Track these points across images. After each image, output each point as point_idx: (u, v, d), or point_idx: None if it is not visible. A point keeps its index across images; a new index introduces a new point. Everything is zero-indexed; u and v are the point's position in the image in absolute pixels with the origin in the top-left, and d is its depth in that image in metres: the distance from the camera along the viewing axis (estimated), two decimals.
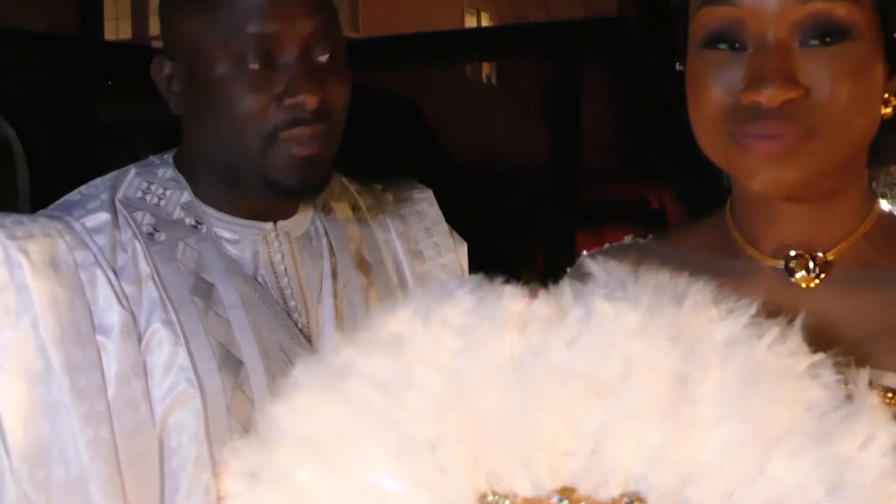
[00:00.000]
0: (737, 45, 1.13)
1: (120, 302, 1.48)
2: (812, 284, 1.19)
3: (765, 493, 1.00)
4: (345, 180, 1.70)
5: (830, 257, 1.20)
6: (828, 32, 1.12)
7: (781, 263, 1.20)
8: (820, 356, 1.03)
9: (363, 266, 1.65)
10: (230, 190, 1.56)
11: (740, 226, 1.24)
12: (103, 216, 1.52)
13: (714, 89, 1.14)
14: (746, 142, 1.13)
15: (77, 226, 1.51)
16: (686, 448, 1.01)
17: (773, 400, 1.01)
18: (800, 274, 1.19)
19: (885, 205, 1.24)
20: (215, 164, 1.55)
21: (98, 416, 1.45)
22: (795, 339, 1.03)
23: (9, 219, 1.49)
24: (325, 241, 1.63)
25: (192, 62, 1.52)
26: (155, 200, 1.57)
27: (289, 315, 1.56)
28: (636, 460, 1.02)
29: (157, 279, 1.51)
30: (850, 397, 1.02)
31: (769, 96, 1.11)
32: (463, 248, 1.74)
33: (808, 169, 1.13)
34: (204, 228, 1.56)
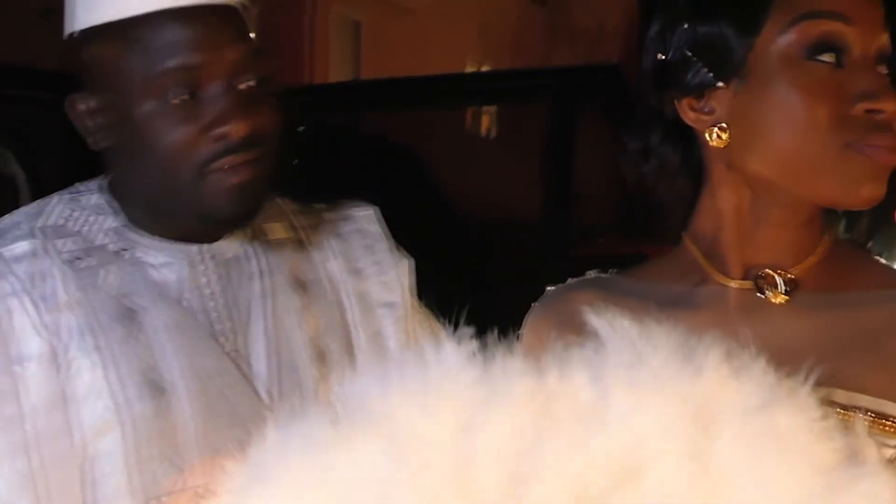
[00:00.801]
0: (831, 60, 1.22)
1: (39, 332, 1.48)
2: (781, 300, 1.26)
3: None
4: (281, 201, 1.69)
5: (793, 275, 1.27)
6: (885, 60, 1.24)
7: (750, 284, 1.28)
8: (831, 418, 1.04)
9: (299, 286, 1.63)
10: (159, 217, 1.55)
11: (707, 252, 1.31)
12: (24, 245, 1.52)
13: (828, 99, 1.21)
14: (869, 151, 1.21)
15: (5, 253, 1.51)
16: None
17: (787, 465, 1.02)
18: (770, 291, 1.26)
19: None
20: (145, 194, 1.54)
21: (17, 447, 1.44)
22: (808, 398, 1.05)
23: None
24: (256, 262, 1.61)
25: (115, 97, 1.50)
26: (78, 227, 1.56)
27: (216, 339, 1.54)
28: None
29: (78, 307, 1.50)
30: (854, 454, 1.04)
31: (892, 110, 1.20)
32: (405, 265, 1.71)
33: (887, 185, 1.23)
34: (128, 254, 1.55)
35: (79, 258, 1.54)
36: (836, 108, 1.21)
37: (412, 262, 1.73)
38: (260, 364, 1.56)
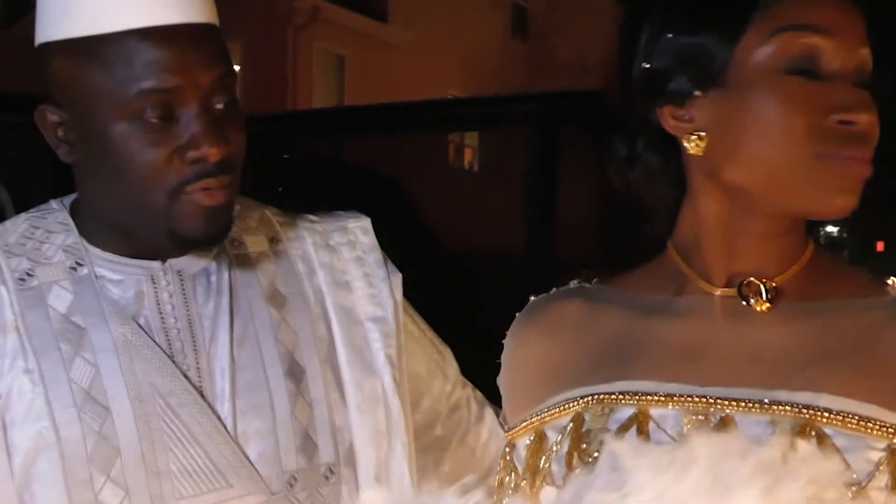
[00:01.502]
0: (809, 74, 1.24)
1: None
2: (764, 308, 1.27)
3: None
4: (268, 212, 1.67)
5: (776, 283, 1.29)
6: (864, 75, 1.25)
7: (734, 292, 1.29)
8: None
9: (275, 299, 1.59)
10: (124, 234, 1.53)
11: (691, 261, 1.33)
12: None
13: (804, 111, 1.23)
14: (841, 163, 1.22)
15: None
16: None
17: None
18: (753, 299, 1.28)
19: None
20: (111, 211, 1.52)
21: None
22: None
23: None
24: (227, 276, 1.58)
25: (85, 114, 1.47)
26: (36, 245, 1.54)
27: (173, 357, 1.51)
28: None
29: (20, 327, 1.48)
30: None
31: (866, 122, 1.22)
32: (397, 279, 1.68)
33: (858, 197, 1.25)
34: (85, 270, 1.52)
35: (28, 277, 1.52)
36: (811, 119, 1.22)
37: (399, 276, 1.70)
38: (222, 382, 1.52)
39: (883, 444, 1.18)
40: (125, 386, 1.48)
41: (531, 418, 1.35)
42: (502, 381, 1.46)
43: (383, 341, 1.63)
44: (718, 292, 1.30)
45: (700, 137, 1.28)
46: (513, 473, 1.36)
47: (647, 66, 1.30)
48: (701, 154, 1.28)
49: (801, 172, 1.23)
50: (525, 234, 3.94)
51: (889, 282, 1.30)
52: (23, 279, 1.51)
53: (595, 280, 1.42)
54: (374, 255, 1.68)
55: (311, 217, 1.69)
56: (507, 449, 1.39)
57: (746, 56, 1.25)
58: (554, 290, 1.44)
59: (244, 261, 1.60)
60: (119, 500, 1.45)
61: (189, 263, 1.55)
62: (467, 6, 17.49)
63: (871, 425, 1.18)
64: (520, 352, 1.43)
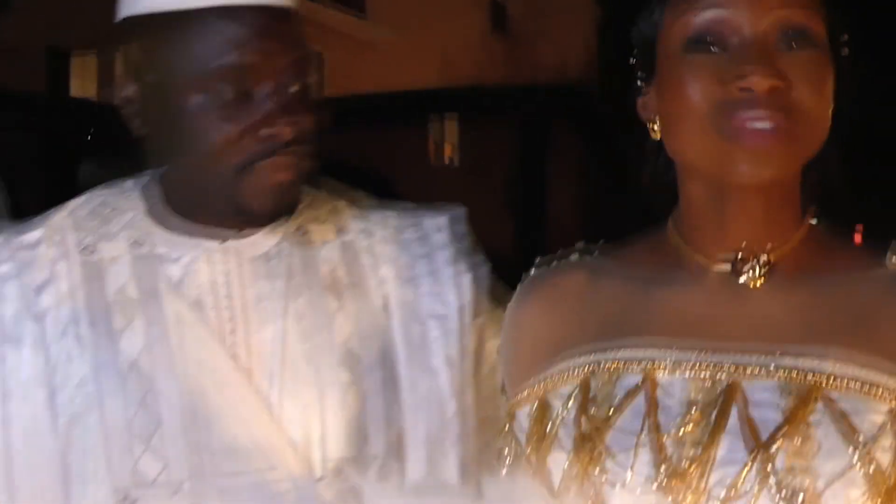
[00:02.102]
0: (713, 49, 1.28)
1: (32, 316, 1.53)
2: (758, 284, 1.32)
3: None
4: (342, 204, 1.69)
5: (772, 258, 1.33)
6: (793, 37, 1.28)
7: (728, 266, 1.33)
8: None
9: (335, 288, 1.61)
10: (190, 209, 1.57)
11: (687, 237, 1.38)
12: (35, 234, 1.58)
13: (702, 86, 1.27)
14: (738, 134, 1.26)
15: (14, 241, 1.58)
16: None
17: None
18: (746, 275, 1.33)
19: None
20: (180, 186, 1.58)
21: None
22: None
23: None
24: (287, 261, 1.60)
25: (161, 87, 1.51)
26: (102, 219, 1.59)
27: (222, 336, 1.54)
28: None
29: (77, 295, 1.54)
30: None
31: (758, 82, 1.25)
32: (468, 278, 1.66)
33: (787, 163, 1.29)
34: (145, 248, 1.57)
35: (94, 248, 1.57)
36: (710, 93, 1.27)
37: (477, 271, 1.68)
38: (271, 364, 1.55)
39: (886, 408, 1.23)
40: (172, 360, 1.52)
41: (534, 386, 1.39)
42: (502, 352, 1.50)
43: (443, 340, 1.63)
44: (713, 267, 1.34)
45: (654, 125, 1.35)
46: (513, 443, 1.40)
47: (632, 61, 1.36)
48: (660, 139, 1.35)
49: (711, 147, 1.28)
50: (510, 230, 3.97)
51: (890, 257, 1.34)
52: (86, 252, 1.57)
53: (596, 252, 1.46)
54: (445, 252, 1.68)
55: (388, 211, 1.71)
56: (507, 419, 1.42)
57: (663, 43, 1.32)
58: (555, 262, 1.48)
59: (307, 248, 1.62)
60: (157, 471, 1.49)
61: (249, 246, 1.59)
62: (447, 2, 17.52)
63: (874, 389, 1.23)
64: (522, 324, 1.47)
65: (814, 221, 1.37)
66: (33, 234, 1.58)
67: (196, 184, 1.55)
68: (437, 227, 1.69)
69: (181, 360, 1.53)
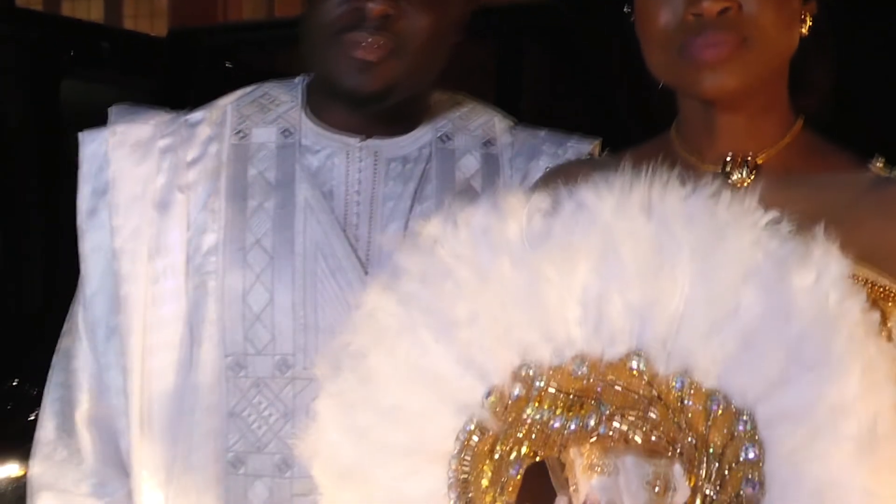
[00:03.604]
0: None
1: (181, 187, 1.71)
2: (746, 184, 1.44)
3: (736, 328, 1.23)
4: (496, 119, 1.79)
5: (760, 160, 1.45)
6: None
7: (719, 168, 1.45)
8: (775, 213, 1.27)
9: (468, 197, 1.60)
10: (328, 102, 1.71)
11: (684, 141, 1.49)
12: (202, 114, 1.76)
13: (662, 13, 1.40)
14: (693, 52, 1.39)
15: (181, 118, 1.76)
16: (670, 304, 1.25)
17: (737, 252, 1.24)
18: (735, 175, 1.45)
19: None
20: (317, 81, 1.74)
21: (127, 276, 1.70)
22: (751, 201, 1.28)
23: (132, 108, 1.78)
24: (423, 166, 1.72)
25: None
26: (260, 108, 1.76)
27: (346, 227, 1.68)
28: (632, 321, 1.26)
29: (222, 174, 1.71)
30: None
31: (707, 7, 1.37)
32: None
33: (744, 75, 1.40)
34: (292, 138, 1.72)
35: (247, 133, 1.74)
36: (671, 19, 1.39)
37: None
38: (386, 259, 1.62)
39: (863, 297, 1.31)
40: (293, 241, 1.68)
41: None
42: None
43: None
44: (705, 168, 1.45)
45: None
46: None
47: None
48: None
49: (673, 66, 1.41)
50: None
51: (874, 161, 1.47)
52: (238, 135, 1.74)
53: (605, 153, 1.60)
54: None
55: (536, 131, 1.80)
56: None
57: None
58: (567, 160, 1.63)
59: (447, 156, 1.74)
60: (265, 342, 1.64)
61: (389, 147, 1.72)
62: None
63: (853, 279, 1.31)
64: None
65: (801, 127, 1.49)
66: (197, 115, 1.76)
67: (317, 70, 1.70)
68: (580, 152, 1.76)
69: (301, 243, 1.67)
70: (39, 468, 1.76)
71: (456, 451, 1.30)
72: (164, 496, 1.68)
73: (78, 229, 1.76)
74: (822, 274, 1.23)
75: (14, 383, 3.16)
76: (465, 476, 1.30)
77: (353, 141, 1.72)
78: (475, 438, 1.30)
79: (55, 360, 1.79)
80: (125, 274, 1.70)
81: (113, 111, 1.78)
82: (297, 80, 1.79)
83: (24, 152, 3.72)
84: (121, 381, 1.70)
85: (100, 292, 1.73)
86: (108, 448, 1.73)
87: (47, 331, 1.95)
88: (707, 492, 1.24)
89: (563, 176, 1.49)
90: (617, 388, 1.27)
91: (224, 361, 1.66)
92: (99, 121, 1.79)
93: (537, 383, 1.29)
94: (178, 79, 4.12)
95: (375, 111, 1.69)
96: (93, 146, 1.75)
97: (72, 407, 1.74)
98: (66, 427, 1.75)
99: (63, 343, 1.78)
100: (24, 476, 2.37)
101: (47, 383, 1.79)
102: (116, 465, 1.73)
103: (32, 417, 1.97)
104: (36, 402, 2.39)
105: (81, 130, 1.78)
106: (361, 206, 1.70)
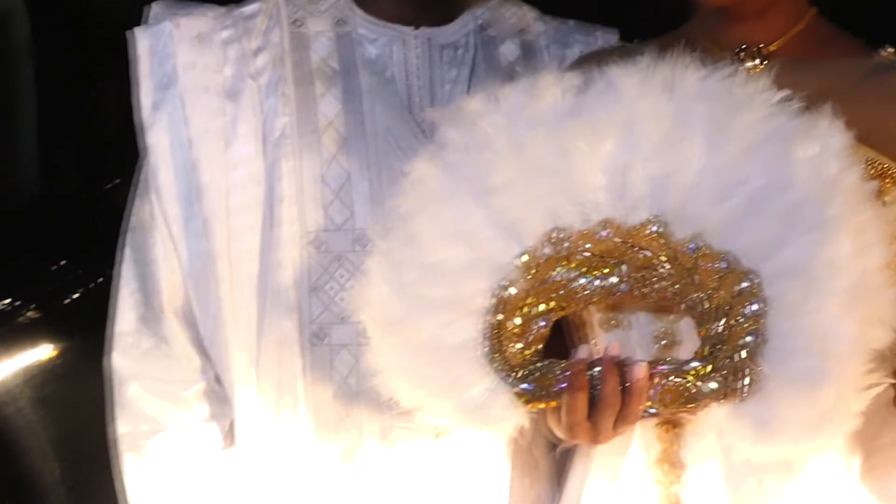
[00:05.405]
0: None
1: (250, 75, 1.79)
2: (759, 69, 1.56)
3: (744, 195, 1.38)
4: (528, 10, 1.91)
5: (772, 48, 1.58)
6: None
7: (732, 55, 1.57)
8: (786, 92, 1.41)
9: (513, 79, 1.73)
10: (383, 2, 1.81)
11: (704, 30, 1.62)
12: (256, 6, 1.84)
13: None
14: None
15: (235, 11, 1.83)
16: (686, 174, 1.40)
17: (747, 126, 1.39)
18: (748, 63, 1.57)
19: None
20: None
21: (206, 164, 1.78)
22: (765, 80, 1.42)
23: (185, 3, 1.85)
24: (472, 52, 1.83)
25: None
26: (315, 1, 1.84)
27: (411, 110, 1.79)
28: (652, 189, 1.41)
29: (285, 61, 1.79)
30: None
31: None
32: None
33: None
34: (348, 27, 1.82)
35: (303, 22, 1.82)
36: None
37: None
38: None
39: (861, 167, 1.44)
40: (363, 122, 1.77)
41: None
42: None
43: None
44: (723, 55, 1.56)
45: None
46: None
47: None
48: None
49: None
50: None
51: (883, 49, 1.59)
52: (295, 24, 1.82)
53: (636, 40, 1.72)
54: None
55: (568, 21, 1.92)
56: None
57: None
58: (599, 48, 1.76)
59: (489, 43, 1.85)
60: (344, 218, 1.75)
61: (439, 34, 1.83)
62: None
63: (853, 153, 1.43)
64: None
65: (813, 16, 1.61)
66: (252, 7, 1.83)
67: None
68: (608, 41, 1.89)
69: (371, 123, 1.77)
70: (123, 359, 1.81)
71: (490, 305, 1.45)
72: (255, 374, 1.76)
73: (140, 123, 1.80)
74: (825, 146, 1.38)
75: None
76: (498, 328, 1.46)
77: (408, 30, 1.82)
78: (508, 294, 1.45)
79: (126, 253, 1.82)
80: (204, 162, 1.77)
81: (155, 6, 1.83)
82: None
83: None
84: (202, 268, 1.77)
85: (175, 182, 1.78)
86: (193, 334, 1.80)
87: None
88: (715, 343, 1.40)
89: (595, 60, 1.60)
90: (637, 249, 1.43)
91: (304, 238, 1.75)
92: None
93: (566, 245, 1.44)
94: None
95: (422, 1, 1.81)
96: (151, 40, 1.80)
97: (154, 296, 1.80)
98: (148, 317, 1.80)
99: (132, 237, 1.82)
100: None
101: (119, 278, 1.83)
102: (202, 351, 1.80)
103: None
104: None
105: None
106: (422, 90, 1.80)
